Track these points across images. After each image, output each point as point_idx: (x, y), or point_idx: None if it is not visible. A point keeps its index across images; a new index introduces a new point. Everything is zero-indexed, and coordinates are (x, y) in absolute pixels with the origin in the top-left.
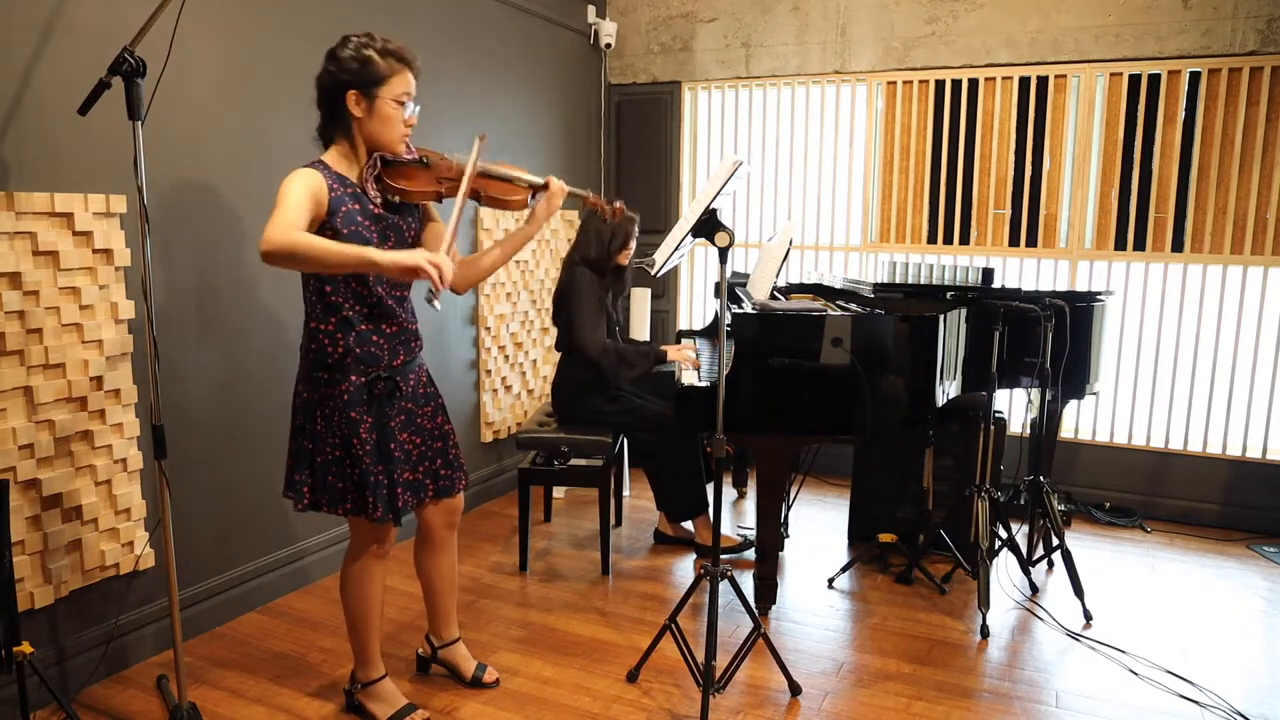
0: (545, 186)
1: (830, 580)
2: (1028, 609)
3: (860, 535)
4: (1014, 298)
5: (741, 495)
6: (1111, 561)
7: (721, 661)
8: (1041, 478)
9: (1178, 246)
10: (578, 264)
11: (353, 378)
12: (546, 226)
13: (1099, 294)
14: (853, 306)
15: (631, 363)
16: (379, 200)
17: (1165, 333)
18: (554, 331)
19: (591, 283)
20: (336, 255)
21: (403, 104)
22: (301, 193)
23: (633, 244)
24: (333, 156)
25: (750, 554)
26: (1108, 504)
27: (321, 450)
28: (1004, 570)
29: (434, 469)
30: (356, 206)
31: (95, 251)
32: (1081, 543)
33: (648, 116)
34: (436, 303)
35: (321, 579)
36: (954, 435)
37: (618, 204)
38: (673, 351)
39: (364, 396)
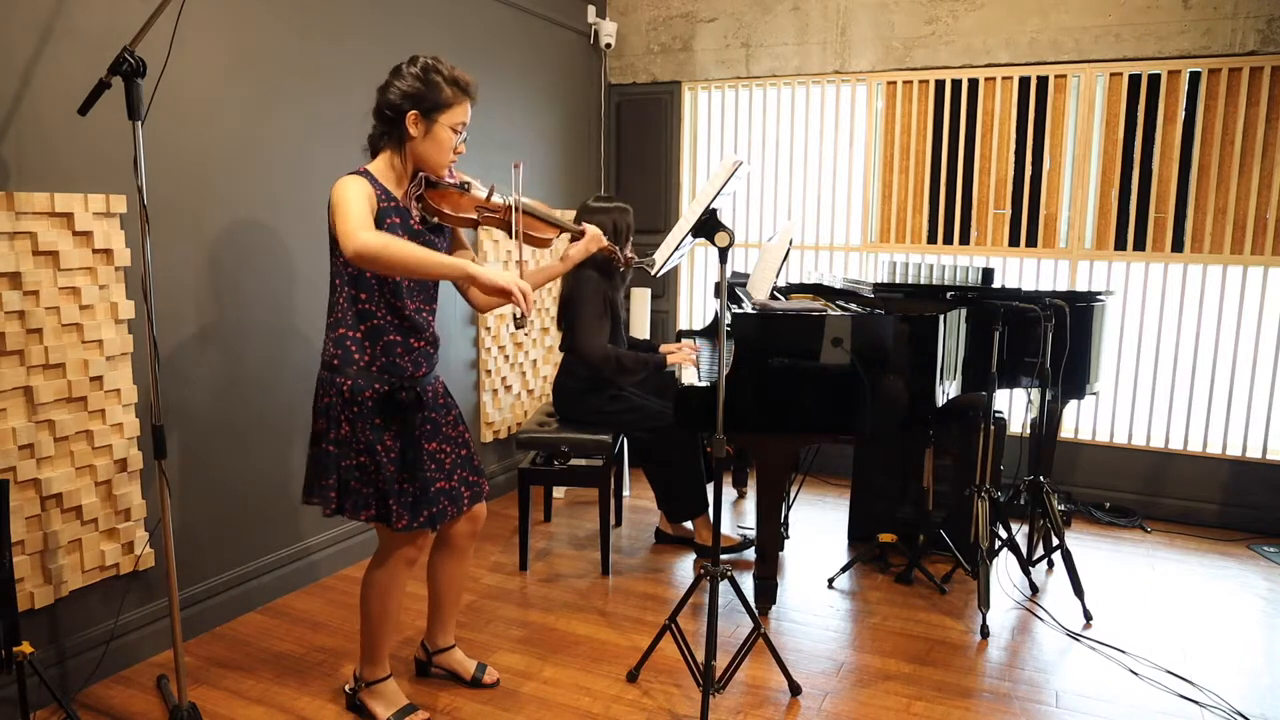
0: (581, 233)
1: (830, 580)
2: (1028, 609)
3: (860, 535)
4: (1014, 298)
5: (741, 495)
6: (1111, 561)
7: (721, 661)
8: (1041, 478)
9: (1178, 246)
10: (585, 267)
11: (376, 386)
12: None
13: (1099, 294)
14: (853, 306)
15: (631, 370)
16: (419, 219)
17: (1165, 333)
18: (554, 331)
19: (598, 285)
20: (434, 263)
21: (457, 132)
22: (361, 198)
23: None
24: (379, 168)
25: (750, 554)
26: (1108, 504)
27: (346, 455)
28: (1004, 570)
29: (465, 476)
30: (398, 220)
31: (95, 251)
32: (1081, 543)
33: (648, 116)
34: (524, 329)
35: (322, 579)
36: (954, 435)
37: (628, 254)
38: (673, 355)
39: (387, 406)
